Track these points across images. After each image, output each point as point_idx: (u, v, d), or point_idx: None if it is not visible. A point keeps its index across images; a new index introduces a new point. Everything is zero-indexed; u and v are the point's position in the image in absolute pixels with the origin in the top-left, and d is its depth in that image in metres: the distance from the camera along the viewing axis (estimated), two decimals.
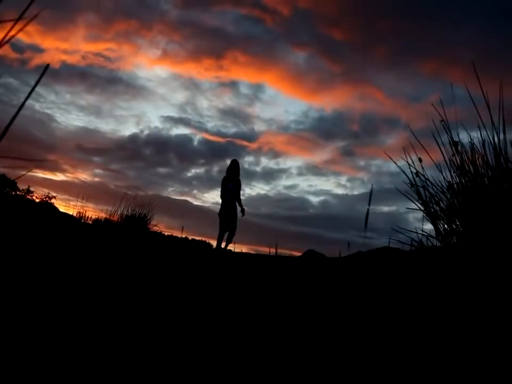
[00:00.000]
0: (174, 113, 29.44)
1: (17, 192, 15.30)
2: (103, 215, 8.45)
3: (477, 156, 2.13)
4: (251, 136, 27.60)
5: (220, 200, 8.52)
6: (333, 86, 21.98)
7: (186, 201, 24.13)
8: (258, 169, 26.73)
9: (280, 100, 26.87)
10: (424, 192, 2.30)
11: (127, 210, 8.32)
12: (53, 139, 24.61)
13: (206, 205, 25.20)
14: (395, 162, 2.48)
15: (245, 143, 26.17)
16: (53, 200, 14.17)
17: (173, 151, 26.83)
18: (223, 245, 8.65)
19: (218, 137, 25.81)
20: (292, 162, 30.69)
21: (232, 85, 25.84)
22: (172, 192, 25.65)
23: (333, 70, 22.26)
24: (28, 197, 14.77)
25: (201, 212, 22.04)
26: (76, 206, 8.49)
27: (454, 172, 2.22)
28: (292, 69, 23.35)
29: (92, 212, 8.93)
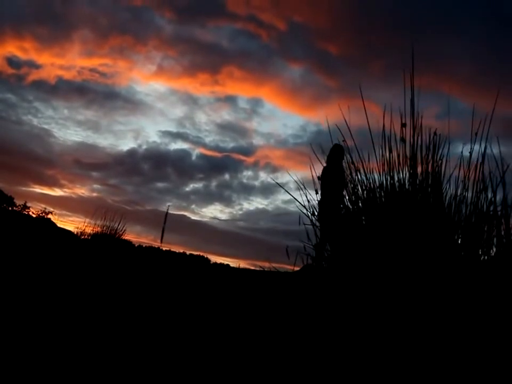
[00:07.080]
0: (172, 128, 29.58)
1: (14, 208, 15.25)
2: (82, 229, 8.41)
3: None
4: (249, 151, 27.65)
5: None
6: (329, 101, 22.15)
7: (184, 216, 24.03)
8: (256, 183, 26.69)
9: (278, 115, 26.99)
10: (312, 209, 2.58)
11: (99, 223, 8.24)
12: (51, 154, 24.68)
13: (204, 219, 25.09)
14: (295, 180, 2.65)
15: (242, 157, 26.20)
16: (49, 216, 14.09)
17: (171, 166, 26.85)
18: None
19: (216, 152, 25.86)
20: (290, 176, 30.68)
21: (228, 100, 26.01)
22: (170, 207, 25.55)
23: (329, 85, 22.45)
24: (24, 212, 14.71)
25: (199, 226, 21.96)
26: (71, 221, 8.49)
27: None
28: (288, 83, 23.54)
29: (88, 227, 8.83)
